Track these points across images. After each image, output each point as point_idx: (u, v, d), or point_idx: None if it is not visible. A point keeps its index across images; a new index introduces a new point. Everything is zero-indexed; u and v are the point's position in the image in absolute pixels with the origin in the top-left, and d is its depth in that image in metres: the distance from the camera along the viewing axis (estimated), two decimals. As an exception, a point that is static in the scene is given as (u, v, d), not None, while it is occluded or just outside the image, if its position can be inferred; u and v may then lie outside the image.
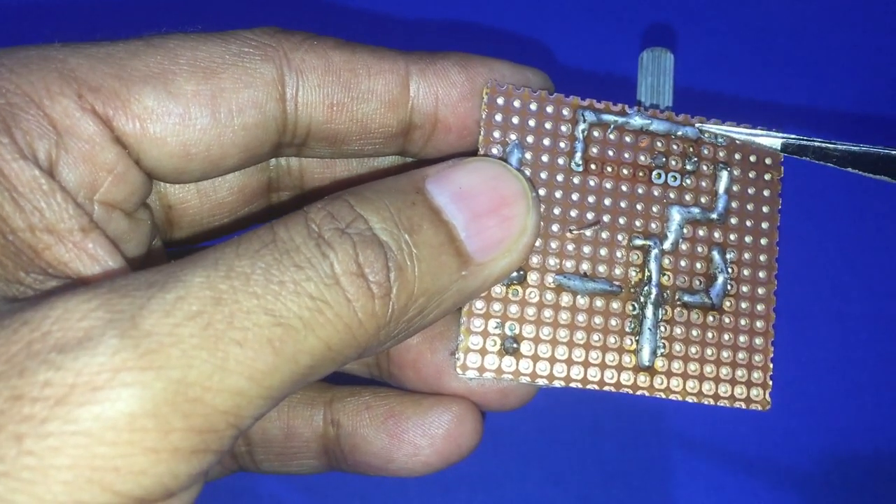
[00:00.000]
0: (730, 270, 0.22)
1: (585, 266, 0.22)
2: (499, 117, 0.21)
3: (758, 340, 0.22)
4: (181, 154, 0.20)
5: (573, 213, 0.22)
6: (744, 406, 0.22)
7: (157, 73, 0.19)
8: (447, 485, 0.38)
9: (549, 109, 0.22)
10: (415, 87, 0.21)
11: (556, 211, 0.22)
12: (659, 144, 0.22)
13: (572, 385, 0.21)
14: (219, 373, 0.16)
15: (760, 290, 0.22)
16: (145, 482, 0.15)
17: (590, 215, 0.22)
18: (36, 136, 0.18)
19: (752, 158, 0.22)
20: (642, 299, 0.22)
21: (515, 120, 0.21)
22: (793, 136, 0.19)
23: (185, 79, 0.19)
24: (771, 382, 0.22)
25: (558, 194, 0.22)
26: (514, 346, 0.21)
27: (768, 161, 0.22)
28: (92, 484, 0.15)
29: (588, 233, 0.22)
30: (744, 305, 0.22)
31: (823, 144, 0.18)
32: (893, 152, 0.18)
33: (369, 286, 0.18)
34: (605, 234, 0.22)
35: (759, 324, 0.22)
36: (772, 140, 0.19)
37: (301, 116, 0.21)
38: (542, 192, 0.22)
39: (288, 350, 0.17)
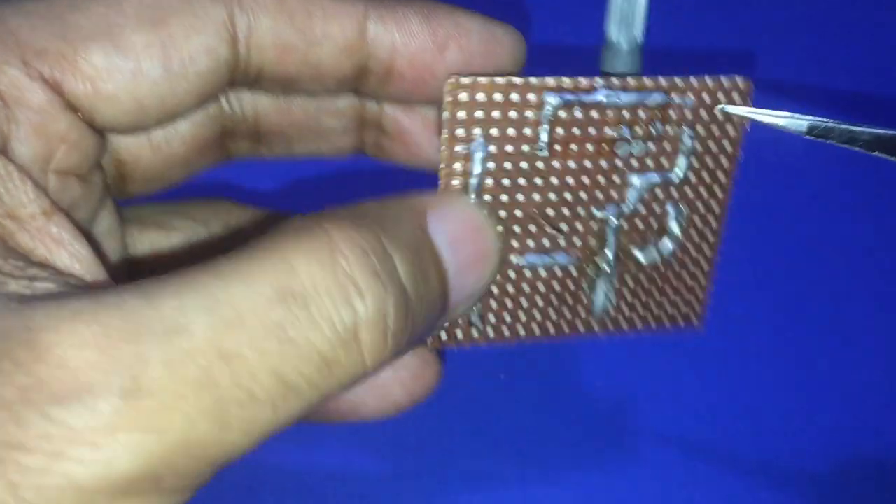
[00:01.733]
0: (682, 225, 0.23)
1: (546, 242, 0.22)
2: (462, 114, 0.20)
3: (700, 276, 0.23)
4: (135, 109, 0.19)
5: (536, 197, 0.22)
6: (679, 323, 0.24)
7: (103, 28, 0.18)
8: (447, 484, 0.38)
9: (515, 97, 0.20)
10: (372, 33, 0.20)
11: (520, 197, 0.21)
12: (625, 115, 0.21)
13: (531, 341, 0.23)
14: (218, 432, 0.15)
15: (707, 241, 0.23)
16: None
17: (552, 196, 0.22)
18: None
19: (718, 116, 0.21)
20: (600, 263, 0.23)
21: (479, 114, 0.20)
22: (819, 118, 0.18)
23: (133, 30, 0.18)
24: (705, 302, 0.24)
25: (522, 181, 0.21)
26: (479, 320, 0.22)
27: (732, 120, 0.21)
28: None
29: (548, 229, 0.22)
30: (691, 256, 0.23)
31: (850, 127, 0.18)
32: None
33: (387, 338, 0.17)
34: (566, 211, 0.22)
35: (704, 265, 0.23)
36: (797, 122, 0.19)
37: (253, 58, 0.20)
38: (506, 181, 0.21)
39: (288, 407, 0.16)
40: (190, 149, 0.23)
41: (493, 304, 0.22)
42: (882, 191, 0.42)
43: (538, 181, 0.21)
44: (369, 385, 0.22)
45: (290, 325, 0.16)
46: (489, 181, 0.21)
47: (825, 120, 0.18)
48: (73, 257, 0.17)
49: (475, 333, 0.23)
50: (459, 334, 0.22)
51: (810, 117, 0.18)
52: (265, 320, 0.15)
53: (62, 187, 0.19)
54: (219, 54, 0.19)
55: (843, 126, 0.18)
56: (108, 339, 0.15)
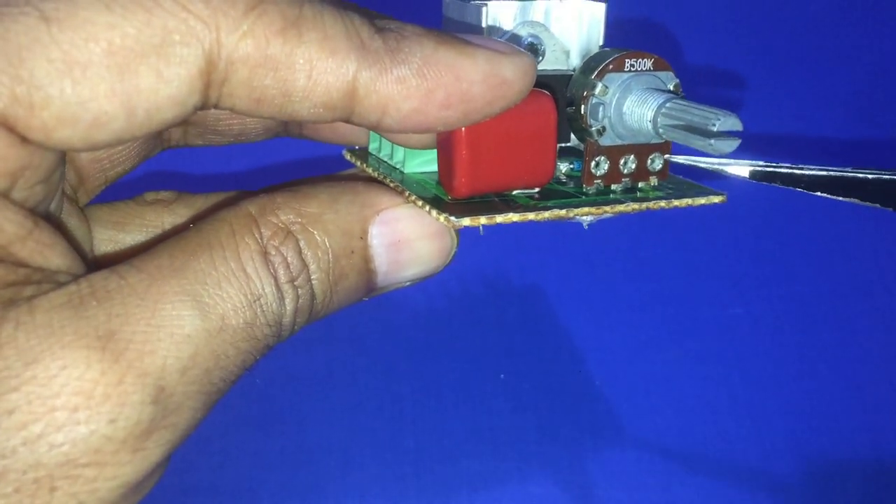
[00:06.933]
0: None
1: None
2: None
3: None
4: (91, 146, 0.18)
5: None
6: None
7: (64, 71, 0.17)
8: (446, 483, 0.39)
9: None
10: (362, 93, 0.18)
11: None
12: None
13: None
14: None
15: None
16: None
17: None
18: None
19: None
20: None
21: None
22: (760, 162, 0.18)
23: (98, 77, 0.17)
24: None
25: None
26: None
27: None
28: None
29: None
30: None
31: (791, 170, 0.18)
32: (860, 175, 0.18)
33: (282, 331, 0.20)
34: None
35: None
36: (739, 169, 0.19)
37: (223, 102, 0.19)
38: None
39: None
40: (136, 153, 0.24)
41: None
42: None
43: None
44: None
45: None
46: None
47: (767, 164, 0.18)
48: (62, 257, 0.18)
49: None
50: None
51: (752, 162, 0.18)
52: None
53: (33, 197, 0.19)
54: (187, 104, 0.18)
55: (784, 169, 0.18)
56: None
